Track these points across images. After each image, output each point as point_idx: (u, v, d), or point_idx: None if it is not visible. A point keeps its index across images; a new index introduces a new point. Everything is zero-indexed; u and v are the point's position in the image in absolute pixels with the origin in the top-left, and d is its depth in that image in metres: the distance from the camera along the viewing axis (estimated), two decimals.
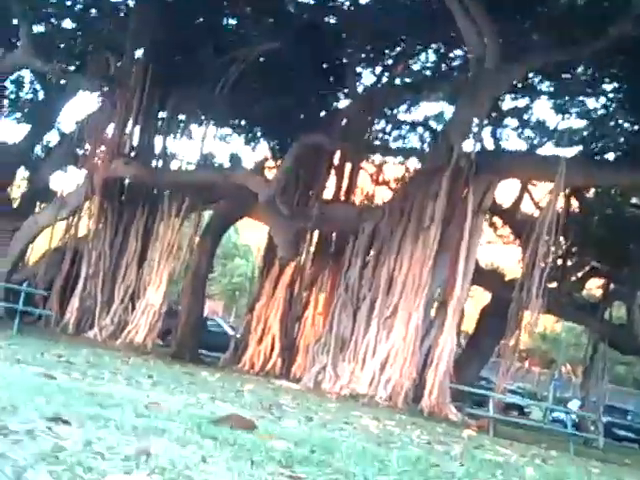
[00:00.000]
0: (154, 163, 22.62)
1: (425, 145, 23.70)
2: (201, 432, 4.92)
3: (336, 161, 22.80)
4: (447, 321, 16.89)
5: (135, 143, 22.60)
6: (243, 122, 25.84)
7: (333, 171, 23.04)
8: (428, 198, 17.41)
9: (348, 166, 22.86)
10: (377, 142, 23.84)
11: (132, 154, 22.04)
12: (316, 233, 22.67)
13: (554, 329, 53.66)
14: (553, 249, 18.81)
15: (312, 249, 22.96)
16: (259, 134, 26.06)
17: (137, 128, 22.18)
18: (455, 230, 17.28)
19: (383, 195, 23.91)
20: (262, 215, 20.73)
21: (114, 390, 7.66)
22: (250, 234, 52.64)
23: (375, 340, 17.45)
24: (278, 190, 18.68)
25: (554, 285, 25.99)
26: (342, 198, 22.43)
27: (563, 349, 53.04)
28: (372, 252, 19.29)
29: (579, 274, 25.96)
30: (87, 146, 24.15)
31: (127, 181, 22.77)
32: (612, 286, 24.99)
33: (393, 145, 24.58)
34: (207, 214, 24.82)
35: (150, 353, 19.57)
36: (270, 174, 22.05)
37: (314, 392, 16.57)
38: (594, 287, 29.64)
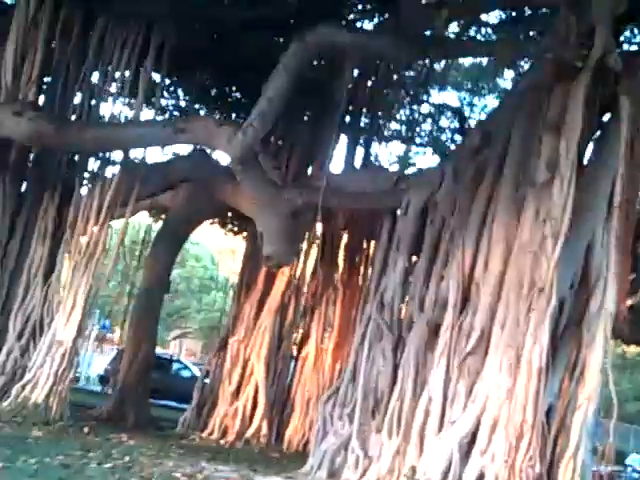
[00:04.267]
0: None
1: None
2: None
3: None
4: (590, 356, 8.87)
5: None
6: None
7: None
8: (540, 130, 9.46)
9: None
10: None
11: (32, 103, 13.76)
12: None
13: None
14: None
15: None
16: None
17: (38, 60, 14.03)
18: (594, 181, 9.31)
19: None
20: (235, 191, 12.57)
21: None
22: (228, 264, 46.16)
23: (443, 396, 9.45)
24: (259, 136, 10.59)
25: None
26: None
27: None
28: (424, 244, 11.34)
29: None
30: None
31: (33, 151, 14.73)
32: None
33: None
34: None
35: (55, 422, 12.00)
36: None
37: None
38: None
